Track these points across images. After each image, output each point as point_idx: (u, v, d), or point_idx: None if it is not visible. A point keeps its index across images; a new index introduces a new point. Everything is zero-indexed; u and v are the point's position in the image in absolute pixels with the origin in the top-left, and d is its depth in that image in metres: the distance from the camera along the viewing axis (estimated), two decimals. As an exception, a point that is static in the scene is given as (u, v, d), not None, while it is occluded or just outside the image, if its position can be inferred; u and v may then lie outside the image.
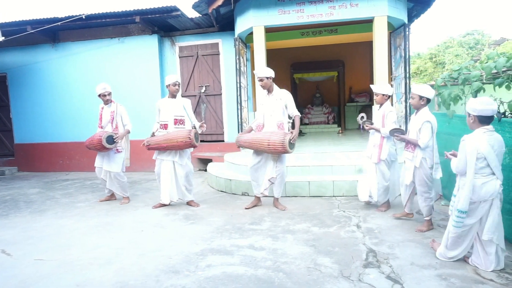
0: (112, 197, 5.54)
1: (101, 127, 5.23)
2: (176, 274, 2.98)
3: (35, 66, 8.59)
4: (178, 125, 4.87)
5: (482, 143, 2.69)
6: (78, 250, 3.57)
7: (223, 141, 8.24)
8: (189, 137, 4.64)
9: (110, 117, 5.17)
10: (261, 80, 4.55)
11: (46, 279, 2.98)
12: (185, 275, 2.95)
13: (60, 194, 6.26)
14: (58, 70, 8.50)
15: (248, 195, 5.54)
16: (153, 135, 4.95)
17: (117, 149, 5.19)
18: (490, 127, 2.77)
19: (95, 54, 8.31)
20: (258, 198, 4.91)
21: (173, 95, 4.91)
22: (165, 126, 4.88)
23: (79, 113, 8.45)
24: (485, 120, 2.76)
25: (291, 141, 4.37)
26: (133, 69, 8.15)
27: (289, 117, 4.65)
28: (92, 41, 8.30)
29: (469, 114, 2.82)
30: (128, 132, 5.24)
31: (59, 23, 7.43)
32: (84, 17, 7.33)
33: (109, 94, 5.20)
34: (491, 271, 2.78)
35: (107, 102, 5.21)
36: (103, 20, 7.60)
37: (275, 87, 4.65)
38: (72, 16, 7.37)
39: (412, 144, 3.72)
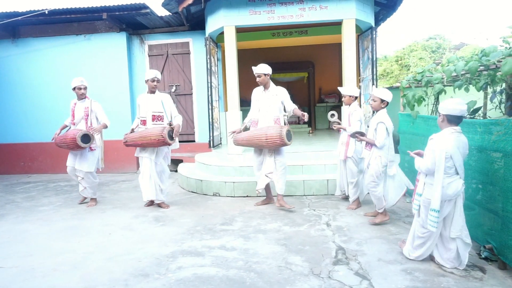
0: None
1: (74, 124, 5.01)
2: (145, 277, 2.92)
3: (-7, 62, 8.13)
4: (156, 121, 4.75)
5: (449, 143, 2.72)
6: (41, 256, 3.41)
7: (194, 141, 8.16)
8: (162, 135, 4.52)
9: (84, 113, 4.96)
10: (258, 76, 4.62)
11: None
12: (155, 278, 2.90)
13: (21, 197, 5.95)
14: (18, 67, 8.08)
15: (219, 195, 5.52)
16: (132, 131, 4.84)
17: (91, 148, 4.97)
18: (458, 128, 2.79)
19: (59, 51, 7.97)
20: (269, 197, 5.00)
21: (151, 91, 4.80)
22: (143, 122, 4.80)
23: (42, 113, 8.07)
24: (453, 120, 2.77)
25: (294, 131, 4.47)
26: (100, 67, 7.89)
27: (285, 111, 4.75)
28: (56, 38, 7.94)
29: (439, 114, 2.86)
30: (106, 126, 5.03)
31: (20, 17, 7.07)
32: (47, 12, 7.01)
33: (85, 88, 5.00)
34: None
35: (81, 96, 4.98)
36: (68, 16, 7.30)
37: (272, 83, 4.73)
38: (34, 11, 7.03)
39: (370, 144, 3.97)
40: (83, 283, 2.86)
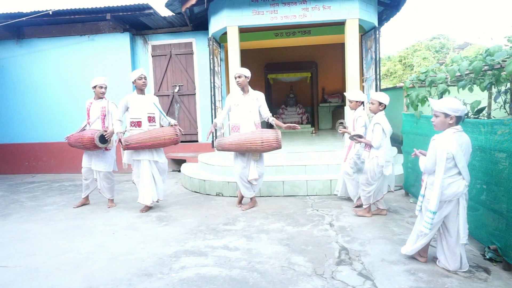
0: (86, 200, 5.31)
1: (89, 124, 4.98)
2: (149, 277, 2.92)
3: (-2, 63, 8.18)
4: (151, 123, 4.70)
5: (451, 143, 2.68)
6: (44, 256, 3.43)
7: (197, 141, 8.17)
8: (177, 134, 4.65)
9: (100, 113, 4.94)
10: (239, 76, 4.55)
11: (8, 287, 2.84)
12: (158, 277, 2.90)
13: (25, 197, 5.99)
14: (23, 68, 8.14)
15: (223, 195, 5.52)
16: (123, 133, 4.67)
17: (106, 148, 4.96)
18: (459, 127, 2.74)
19: (63, 51, 8.01)
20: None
21: (141, 90, 4.72)
22: (138, 124, 4.65)
23: (46, 113, 8.12)
24: (458, 120, 2.75)
25: None
26: (104, 67, 7.91)
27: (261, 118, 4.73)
28: (60, 38, 7.99)
29: (446, 115, 2.72)
30: (113, 132, 5.01)
31: (24, 18, 7.12)
32: (51, 13, 7.05)
33: (106, 88, 5.00)
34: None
35: (101, 95, 4.95)
36: (72, 17, 7.34)
37: (250, 88, 4.71)
38: (38, 12, 7.07)
39: (368, 145, 4.11)
40: (86, 282, 2.87)
